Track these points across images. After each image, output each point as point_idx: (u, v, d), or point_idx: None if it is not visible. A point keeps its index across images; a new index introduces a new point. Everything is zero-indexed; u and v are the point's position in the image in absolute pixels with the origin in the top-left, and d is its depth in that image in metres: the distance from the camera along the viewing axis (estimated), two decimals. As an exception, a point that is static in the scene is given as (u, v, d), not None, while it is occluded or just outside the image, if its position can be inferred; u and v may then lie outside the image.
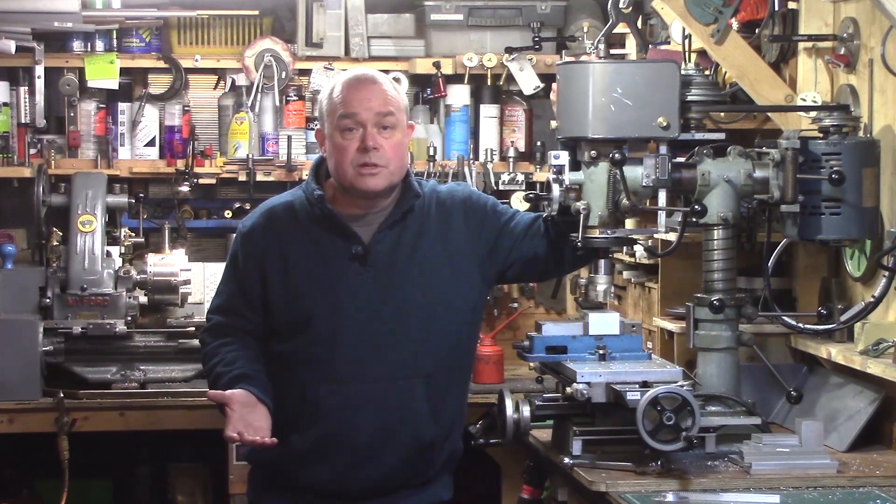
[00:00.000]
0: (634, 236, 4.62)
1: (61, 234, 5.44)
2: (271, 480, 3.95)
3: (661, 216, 4.10)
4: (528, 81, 5.74)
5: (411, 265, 3.88)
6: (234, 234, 4.03)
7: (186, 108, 5.86)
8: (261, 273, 3.89)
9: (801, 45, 4.62)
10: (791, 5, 4.68)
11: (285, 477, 3.91)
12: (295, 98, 5.84)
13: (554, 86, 4.22)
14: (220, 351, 3.90)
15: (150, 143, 5.84)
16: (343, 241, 3.87)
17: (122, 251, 5.54)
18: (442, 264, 3.90)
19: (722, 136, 4.23)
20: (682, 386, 3.91)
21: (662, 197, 4.10)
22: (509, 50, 5.73)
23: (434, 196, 3.96)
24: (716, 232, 4.14)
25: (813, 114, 4.38)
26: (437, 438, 3.92)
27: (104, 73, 5.70)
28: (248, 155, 5.73)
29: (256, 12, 5.84)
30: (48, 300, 5.31)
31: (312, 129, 5.28)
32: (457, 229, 3.94)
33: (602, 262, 4.14)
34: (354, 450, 3.85)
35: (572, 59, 4.74)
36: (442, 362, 3.90)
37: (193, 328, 5.32)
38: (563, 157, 4.06)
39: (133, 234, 5.62)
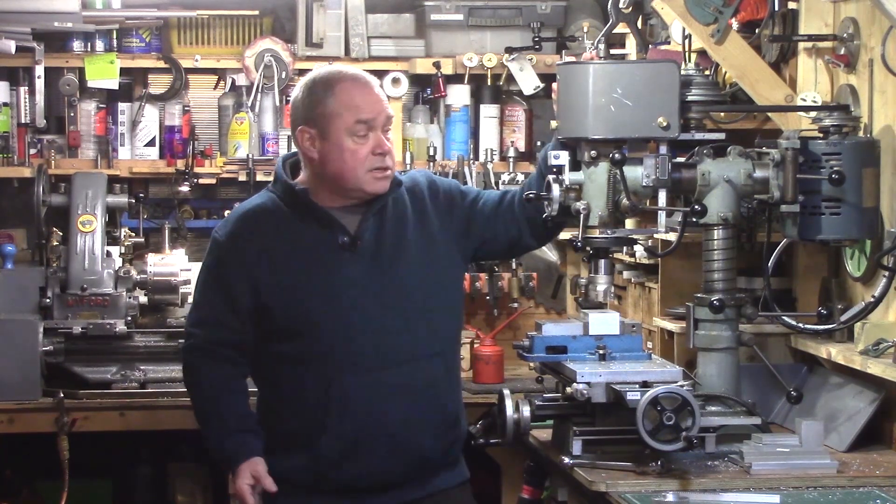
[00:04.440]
0: (634, 236, 4.62)
1: (61, 234, 5.43)
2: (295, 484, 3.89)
3: (661, 216, 4.10)
4: (528, 81, 5.74)
5: (399, 249, 3.87)
6: (210, 244, 3.96)
7: (186, 108, 5.85)
8: (251, 281, 3.84)
9: (801, 45, 4.62)
10: (791, 5, 4.68)
11: (313, 480, 3.84)
12: (295, 98, 5.84)
13: (554, 86, 4.22)
14: (215, 383, 3.87)
15: (150, 143, 5.83)
16: (329, 232, 3.85)
17: (122, 251, 5.52)
18: (425, 247, 3.91)
19: (722, 136, 4.23)
20: (682, 386, 3.91)
21: (662, 197, 4.10)
22: (509, 50, 5.72)
23: (403, 184, 3.98)
24: (716, 232, 4.14)
25: (813, 114, 4.38)
26: (459, 413, 3.95)
27: (104, 73, 5.69)
28: (248, 155, 5.73)
29: (256, 12, 5.84)
30: (48, 300, 5.30)
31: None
32: (430, 214, 3.95)
33: (602, 262, 4.14)
34: (391, 437, 3.82)
35: (572, 59, 4.74)
36: (449, 340, 3.95)
37: (193, 328, 5.32)
38: (563, 157, 4.06)
39: (133, 234, 5.61)
